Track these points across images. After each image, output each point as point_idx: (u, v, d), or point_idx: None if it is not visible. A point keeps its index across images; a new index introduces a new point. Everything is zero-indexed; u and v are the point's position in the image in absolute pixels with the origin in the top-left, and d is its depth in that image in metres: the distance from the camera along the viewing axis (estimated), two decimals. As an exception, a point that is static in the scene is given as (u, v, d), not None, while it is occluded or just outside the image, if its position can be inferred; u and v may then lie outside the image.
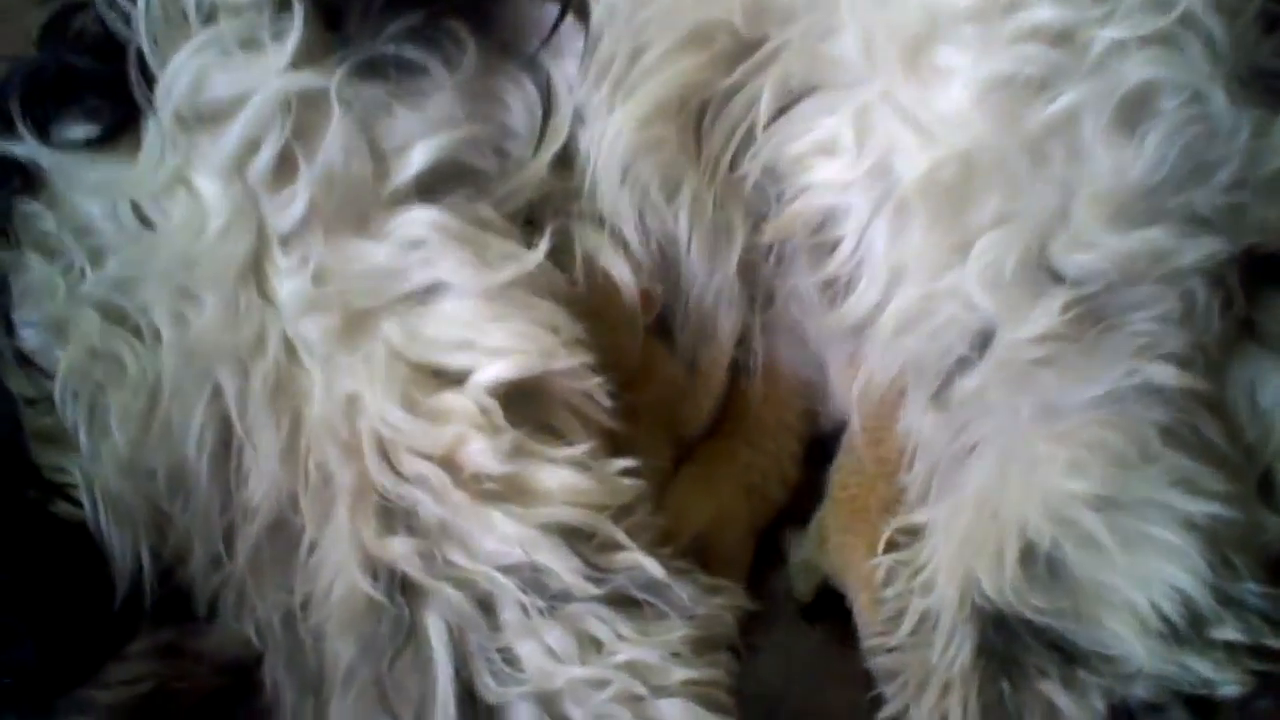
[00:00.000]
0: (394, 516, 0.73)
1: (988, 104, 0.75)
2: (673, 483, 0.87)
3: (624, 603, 0.73)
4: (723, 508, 0.87)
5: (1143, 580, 0.72)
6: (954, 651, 0.76)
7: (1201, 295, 0.75)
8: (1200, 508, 0.72)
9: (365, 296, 0.76)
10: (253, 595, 0.74)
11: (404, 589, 0.71)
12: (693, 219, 0.85)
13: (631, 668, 0.71)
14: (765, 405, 0.91)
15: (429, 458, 0.73)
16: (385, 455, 0.73)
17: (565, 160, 0.85)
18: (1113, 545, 0.73)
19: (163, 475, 0.73)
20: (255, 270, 0.76)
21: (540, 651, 0.71)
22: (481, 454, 0.73)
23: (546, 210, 0.84)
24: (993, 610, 0.75)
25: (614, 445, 0.79)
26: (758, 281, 0.87)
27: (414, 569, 0.71)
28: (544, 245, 0.80)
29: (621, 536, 0.74)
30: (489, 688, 0.71)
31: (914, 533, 0.81)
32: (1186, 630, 0.72)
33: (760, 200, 0.84)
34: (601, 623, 0.72)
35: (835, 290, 0.83)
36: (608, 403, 0.78)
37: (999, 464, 0.77)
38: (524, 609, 0.71)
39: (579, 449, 0.76)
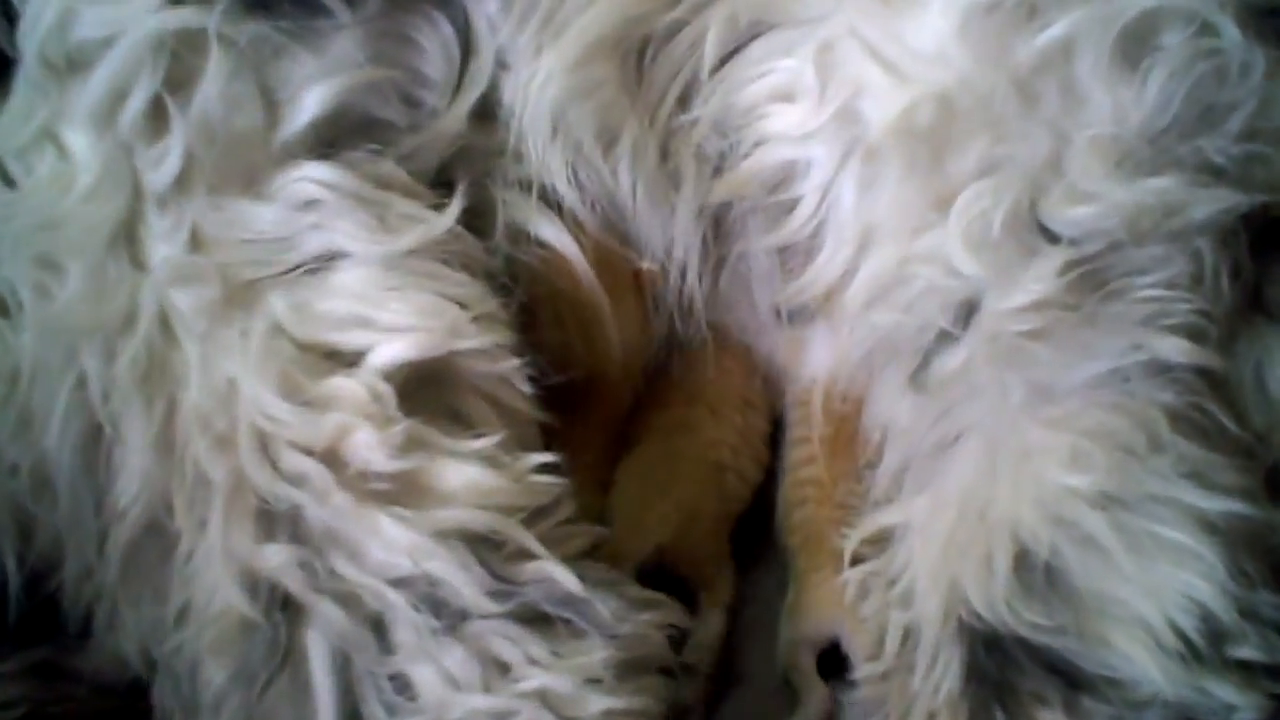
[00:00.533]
0: (274, 521, 0.64)
1: (969, 34, 0.68)
2: (619, 482, 0.78)
3: (535, 620, 0.65)
4: (684, 494, 0.77)
5: (1155, 591, 0.63)
6: (939, 676, 0.67)
7: (1210, 258, 0.67)
8: (1216, 505, 0.64)
9: (249, 266, 0.68)
10: (125, 610, 0.66)
11: (284, 606, 0.63)
12: (635, 173, 0.76)
13: (543, 696, 0.64)
14: (726, 378, 0.82)
15: (310, 452, 0.64)
16: (264, 450, 0.65)
17: (486, 111, 0.76)
18: (1119, 550, 0.64)
19: (25, 471, 0.65)
20: (127, 235, 0.67)
21: (437, 677, 0.63)
22: (368, 448, 0.64)
23: (461, 168, 0.75)
24: (983, 627, 0.66)
25: (545, 439, 0.72)
26: (709, 244, 0.79)
27: (294, 582, 0.63)
28: (456, 206, 0.71)
29: (533, 544, 0.66)
30: (376, 718, 0.62)
31: (884, 539, 0.73)
32: (1206, 648, 0.63)
33: (711, 152, 0.76)
34: (509, 643, 0.64)
35: (795, 257, 0.75)
36: (527, 388, 0.70)
37: (986, 455, 0.68)
38: (418, 629, 0.63)
39: (487, 441, 0.67)
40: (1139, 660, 0.63)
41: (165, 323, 0.66)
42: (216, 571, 0.63)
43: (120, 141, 0.68)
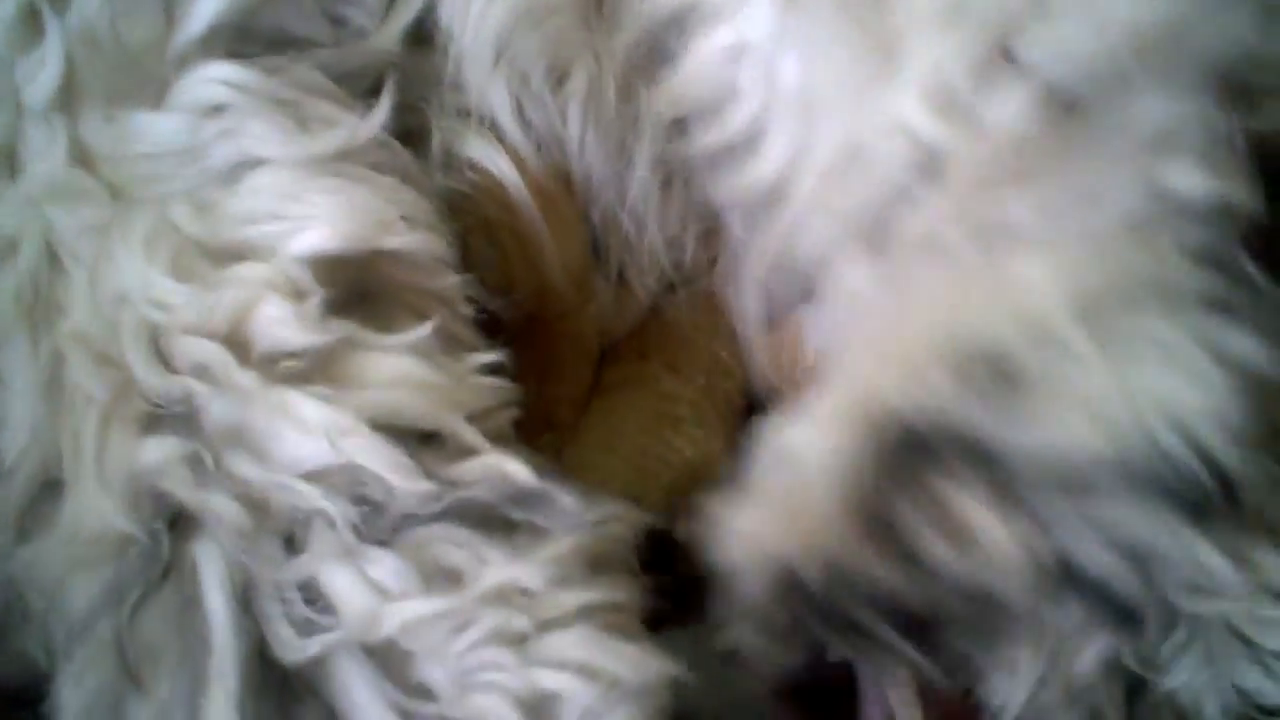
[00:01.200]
0: (159, 423, 0.55)
1: None
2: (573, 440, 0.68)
3: (486, 522, 0.55)
4: (630, 450, 0.67)
5: (1132, 392, 0.52)
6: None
7: (1221, 120, 0.56)
8: (1240, 342, 0.52)
9: (148, 182, 0.59)
10: (28, 589, 0.56)
11: (169, 517, 0.53)
12: (587, 116, 0.68)
13: (503, 596, 0.53)
14: (697, 333, 0.72)
15: (209, 335, 0.55)
16: (153, 344, 0.56)
17: (422, 35, 0.68)
18: (1095, 352, 0.52)
19: None
20: (5, 156, 0.59)
21: (359, 585, 0.53)
22: (278, 322, 0.55)
23: (393, 89, 0.65)
24: (897, 422, 0.54)
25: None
26: (670, 198, 0.70)
27: (178, 482, 0.53)
28: (384, 107, 0.63)
29: (476, 437, 0.56)
30: (284, 641, 0.52)
31: None
32: (1191, 481, 0.50)
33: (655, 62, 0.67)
34: (456, 548, 0.54)
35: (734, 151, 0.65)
36: (467, 310, 0.61)
37: (952, 285, 0.57)
38: (337, 530, 0.53)
39: (420, 333, 0.57)
40: (1091, 448, 0.51)
41: (50, 252, 0.58)
42: (90, 489, 0.54)
43: (2, 57, 0.60)
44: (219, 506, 0.53)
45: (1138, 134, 0.56)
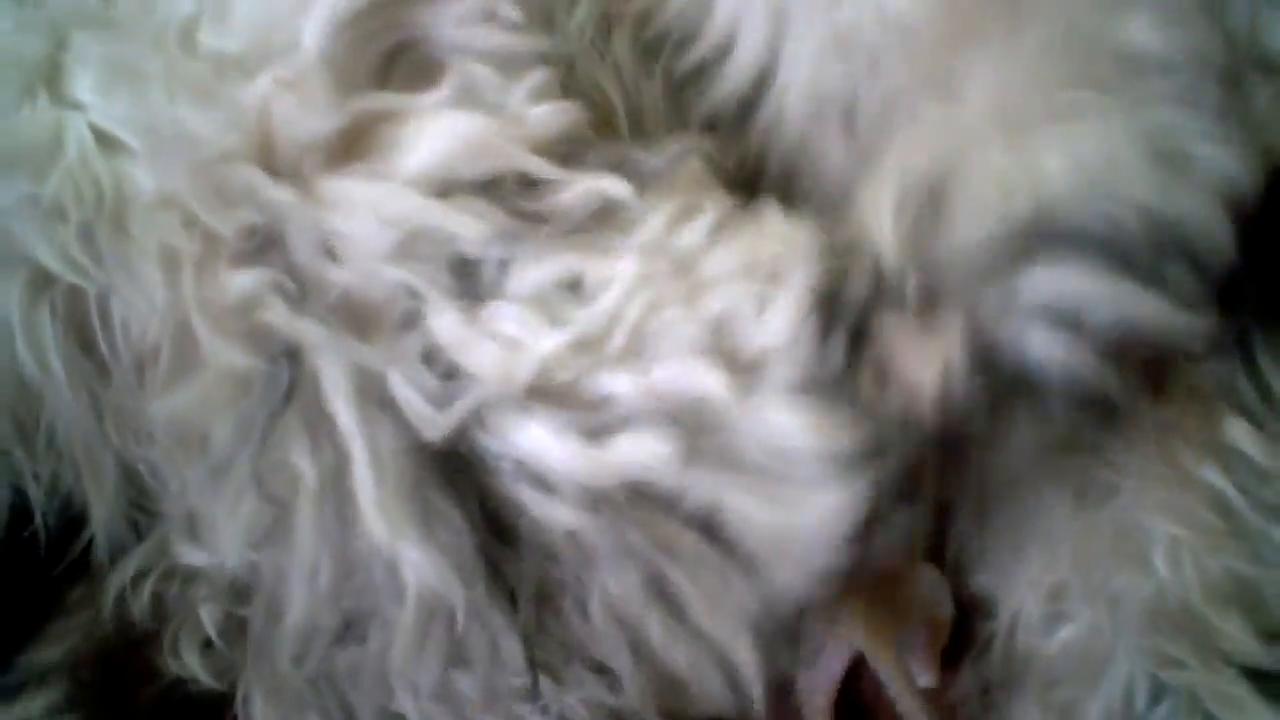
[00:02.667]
0: (242, 259, 0.53)
1: None
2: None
3: (590, 225, 0.53)
4: None
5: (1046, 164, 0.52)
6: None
7: None
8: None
9: (170, 18, 0.56)
10: (170, 479, 0.55)
11: (282, 348, 0.52)
12: None
13: (639, 274, 0.51)
14: None
15: (242, 158, 0.53)
16: (208, 180, 0.53)
17: None
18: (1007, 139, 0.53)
19: (4, 413, 0.56)
20: (49, 70, 0.56)
21: (492, 344, 0.51)
22: (291, 121, 0.53)
23: None
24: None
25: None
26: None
27: (273, 311, 0.52)
28: None
29: (553, 171, 0.53)
30: (435, 421, 0.50)
31: None
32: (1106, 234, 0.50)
33: None
34: (566, 254, 0.52)
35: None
36: (515, 14, 0.56)
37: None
38: (445, 299, 0.51)
39: (453, 85, 0.54)
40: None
41: (104, 137, 0.55)
42: (204, 335, 0.52)
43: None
44: (314, 327, 0.51)
45: None
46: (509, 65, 0.55)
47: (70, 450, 0.55)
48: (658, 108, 0.67)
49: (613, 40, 0.65)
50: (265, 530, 0.51)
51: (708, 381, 0.49)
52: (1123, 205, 0.50)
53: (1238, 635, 0.57)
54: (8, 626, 0.57)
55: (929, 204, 0.54)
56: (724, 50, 0.65)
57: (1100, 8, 0.57)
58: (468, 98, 0.54)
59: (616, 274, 0.51)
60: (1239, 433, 0.59)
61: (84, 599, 0.58)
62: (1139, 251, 0.50)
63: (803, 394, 0.49)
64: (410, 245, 0.51)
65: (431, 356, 0.51)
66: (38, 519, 0.55)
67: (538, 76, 0.55)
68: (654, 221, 0.53)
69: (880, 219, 0.55)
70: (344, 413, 0.51)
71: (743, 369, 0.50)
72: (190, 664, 0.56)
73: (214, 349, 0.52)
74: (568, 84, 0.61)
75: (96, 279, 0.54)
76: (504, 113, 0.54)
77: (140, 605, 0.56)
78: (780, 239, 0.52)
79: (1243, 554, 0.58)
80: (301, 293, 0.52)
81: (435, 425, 0.50)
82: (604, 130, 0.60)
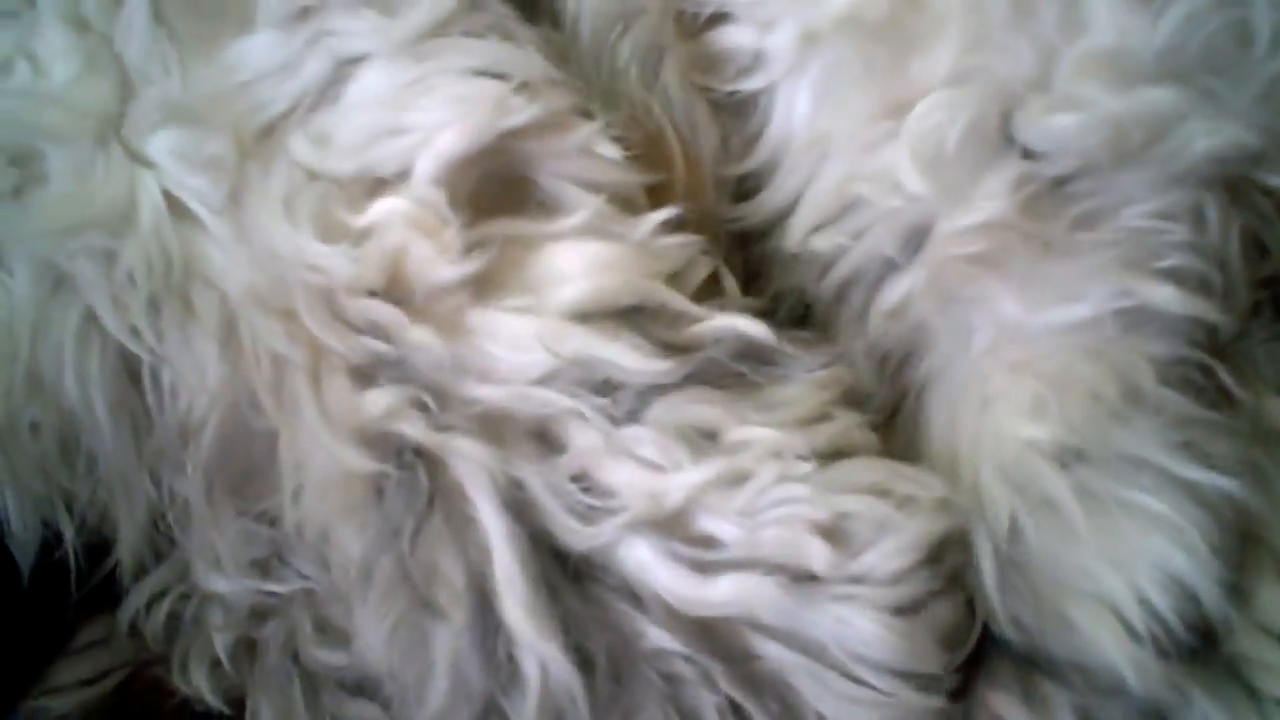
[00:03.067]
0: (372, 375, 0.55)
1: None
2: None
3: (726, 380, 0.56)
4: None
5: (1124, 561, 0.55)
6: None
7: (1215, 214, 0.58)
8: (1207, 477, 0.55)
9: (254, 112, 0.57)
10: (203, 563, 0.56)
11: (415, 450, 0.54)
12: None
13: (772, 448, 0.54)
14: None
15: (370, 294, 0.54)
16: (326, 306, 0.55)
17: None
18: (1081, 514, 0.56)
19: (48, 431, 0.56)
20: (119, 119, 0.57)
21: (633, 465, 0.53)
22: (426, 263, 0.54)
23: None
24: None
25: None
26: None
27: (411, 425, 0.53)
28: None
29: (689, 305, 0.56)
30: (574, 530, 0.53)
31: None
32: (1185, 636, 0.54)
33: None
34: (707, 406, 0.54)
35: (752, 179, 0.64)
36: (616, 154, 0.58)
37: (948, 408, 0.60)
38: (591, 419, 0.53)
39: (584, 213, 0.56)
40: (1101, 643, 0.55)
41: (175, 205, 0.56)
42: (325, 442, 0.54)
43: (100, 33, 0.58)
44: (460, 439, 0.53)
45: (1119, 235, 0.57)
46: (621, 199, 0.58)
47: (107, 475, 0.56)
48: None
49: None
50: (411, 627, 0.53)
51: (814, 556, 0.52)
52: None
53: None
54: (14, 666, 0.58)
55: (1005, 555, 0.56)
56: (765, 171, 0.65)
57: (1125, 255, 0.59)
58: (597, 228, 0.56)
59: (756, 438, 0.54)
60: None
61: (95, 641, 0.60)
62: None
63: (894, 616, 0.53)
64: (560, 370, 0.53)
65: (574, 470, 0.53)
66: (68, 539, 0.56)
67: (660, 213, 0.57)
68: (799, 404, 0.56)
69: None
70: (490, 519, 0.52)
71: (847, 573, 0.53)
72: (198, 683, 0.57)
73: (331, 453, 0.53)
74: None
75: (155, 352, 0.55)
76: (636, 241, 0.57)
77: (156, 625, 0.58)
78: (915, 480, 0.55)
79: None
80: (442, 407, 0.53)
81: (583, 538, 0.52)
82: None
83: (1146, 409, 0.56)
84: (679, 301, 0.56)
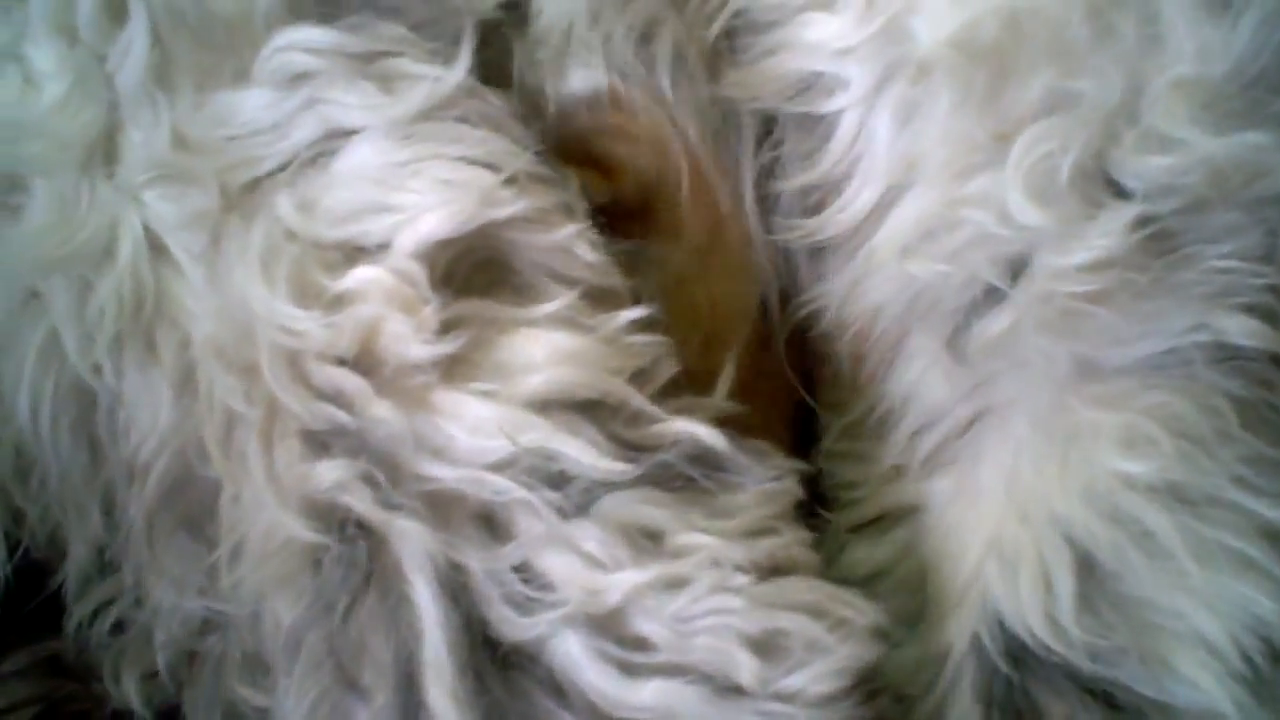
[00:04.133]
0: (326, 444, 0.54)
1: None
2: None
3: (679, 484, 0.55)
4: None
5: (1219, 604, 0.55)
6: (942, 697, 0.59)
7: None
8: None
9: (243, 166, 0.57)
10: (150, 580, 0.56)
11: (358, 523, 0.53)
12: (677, 74, 0.65)
13: (712, 555, 0.53)
14: None
15: (340, 362, 0.54)
16: (292, 368, 0.54)
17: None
18: (1185, 553, 0.56)
19: (4, 448, 0.56)
20: (105, 150, 0.56)
21: (576, 560, 0.53)
22: (400, 339, 0.54)
23: (470, 29, 0.62)
24: (1009, 646, 0.57)
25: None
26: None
27: (359, 500, 0.53)
28: (465, 54, 0.60)
29: (649, 405, 0.56)
30: (509, 620, 0.52)
31: (887, 521, 0.63)
32: (1271, 676, 0.55)
33: (731, 57, 0.65)
34: (655, 509, 0.54)
35: (817, 190, 0.64)
36: (593, 255, 0.58)
37: (1027, 436, 0.60)
38: (539, 510, 0.53)
39: (559, 303, 0.56)
40: (1206, 687, 0.55)
41: (156, 245, 0.55)
42: (269, 505, 0.53)
43: (91, 49, 0.57)
44: (405, 520, 0.52)
45: (1206, 273, 0.58)
46: (597, 296, 0.58)
47: (60, 495, 0.56)
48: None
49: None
50: (332, 705, 0.52)
51: (742, 669, 0.51)
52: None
53: None
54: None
55: (1108, 592, 0.57)
56: (833, 185, 0.64)
57: (1212, 290, 0.60)
58: (567, 319, 0.56)
59: (698, 544, 0.53)
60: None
61: (16, 671, 0.59)
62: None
63: None
64: (517, 458, 0.53)
65: (517, 559, 0.52)
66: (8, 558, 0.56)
67: (631, 311, 0.57)
68: (745, 514, 0.55)
69: (1050, 588, 0.58)
70: (425, 601, 0.52)
71: (774, 690, 0.52)
72: (129, 692, 0.57)
73: (274, 519, 0.53)
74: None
75: (112, 388, 0.55)
76: (604, 336, 0.56)
77: (99, 634, 0.57)
78: (851, 604, 0.54)
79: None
80: (393, 483, 0.52)
81: (519, 628, 0.52)
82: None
83: (1233, 449, 0.57)
84: (639, 400, 0.56)
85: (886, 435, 0.64)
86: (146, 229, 0.55)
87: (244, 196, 0.56)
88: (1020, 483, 0.59)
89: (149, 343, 0.55)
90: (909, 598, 0.61)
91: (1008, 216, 0.58)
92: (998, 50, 0.59)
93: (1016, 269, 0.59)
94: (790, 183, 0.64)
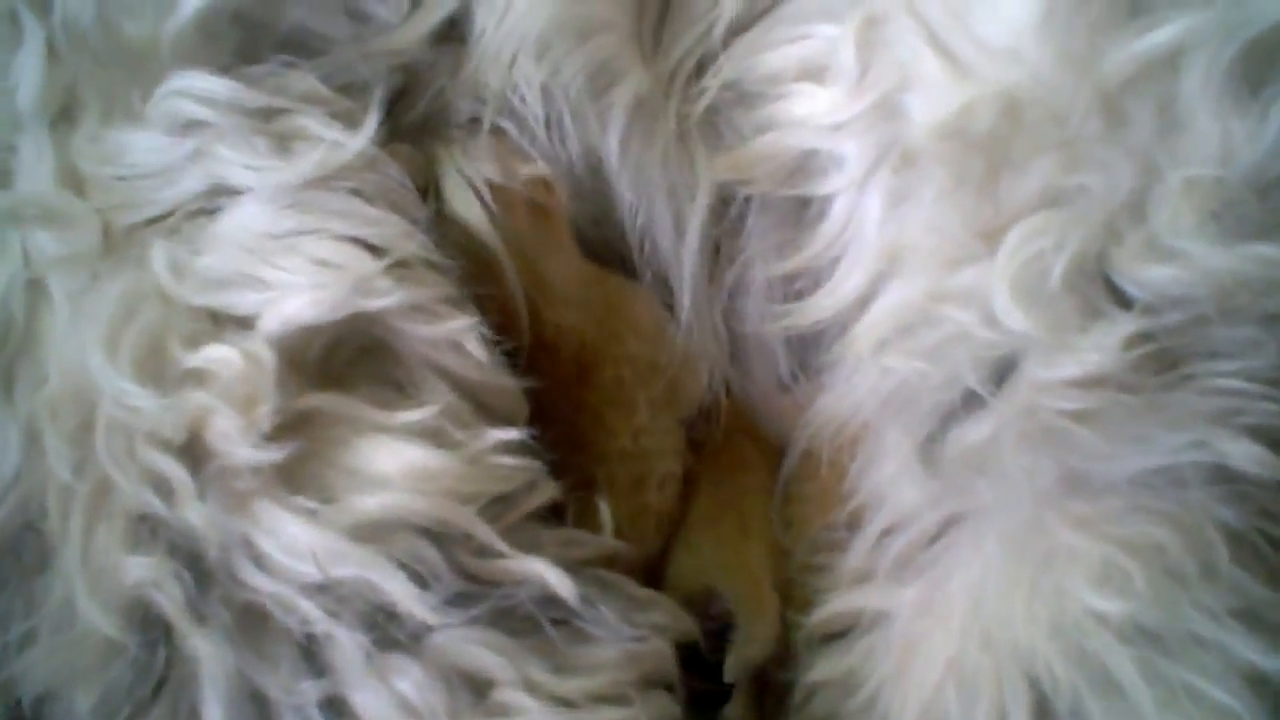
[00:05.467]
0: (147, 534, 0.51)
1: (1052, 28, 0.54)
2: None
3: (520, 627, 0.52)
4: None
5: None
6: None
7: None
8: (1273, 662, 0.52)
9: (126, 209, 0.55)
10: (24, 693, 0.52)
11: (166, 629, 0.50)
12: (632, 125, 0.62)
13: (542, 713, 0.51)
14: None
15: (167, 447, 0.51)
16: (125, 444, 0.52)
17: (446, 35, 0.62)
18: (1149, 702, 0.52)
19: None
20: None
21: (388, 704, 0.50)
22: (226, 437, 0.51)
23: (379, 97, 0.60)
24: None
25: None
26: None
27: (167, 599, 0.50)
28: (372, 121, 0.57)
29: (495, 539, 0.52)
30: None
31: (849, 626, 0.59)
32: None
33: (729, 132, 0.62)
34: (490, 653, 0.51)
35: (804, 278, 0.60)
36: (481, 353, 0.55)
37: (999, 554, 0.56)
38: (352, 645, 0.50)
39: (426, 411, 0.53)
40: None
41: (34, 277, 0.53)
42: (75, 585, 0.51)
43: None
44: (210, 632, 0.50)
45: (1206, 390, 0.54)
46: (480, 402, 0.55)
47: None
48: None
49: None
50: None
51: None
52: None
53: None
54: None
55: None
56: (819, 271, 0.61)
57: (1213, 411, 0.55)
58: (434, 429, 0.53)
59: (525, 709, 0.51)
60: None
61: None
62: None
63: None
64: (335, 588, 0.50)
65: (325, 694, 0.50)
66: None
67: (509, 432, 0.54)
68: (597, 675, 0.53)
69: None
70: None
71: None
72: None
73: (88, 610, 0.50)
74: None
75: None
76: (468, 455, 0.53)
77: None
78: None
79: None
80: (201, 589, 0.50)
81: None
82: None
83: (1219, 587, 0.53)
84: (485, 533, 0.52)
85: (855, 534, 0.60)
86: (26, 258, 0.53)
87: (123, 241, 0.54)
88: (987, 605, 0.55)
89: (6, 380, 0.53)
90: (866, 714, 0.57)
91: (993, 318, 0.54)
92: (993, 139, 0.55)
93: (1000, 374, 0.55)
94: (774, 267, 0.61)
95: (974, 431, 0.55)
